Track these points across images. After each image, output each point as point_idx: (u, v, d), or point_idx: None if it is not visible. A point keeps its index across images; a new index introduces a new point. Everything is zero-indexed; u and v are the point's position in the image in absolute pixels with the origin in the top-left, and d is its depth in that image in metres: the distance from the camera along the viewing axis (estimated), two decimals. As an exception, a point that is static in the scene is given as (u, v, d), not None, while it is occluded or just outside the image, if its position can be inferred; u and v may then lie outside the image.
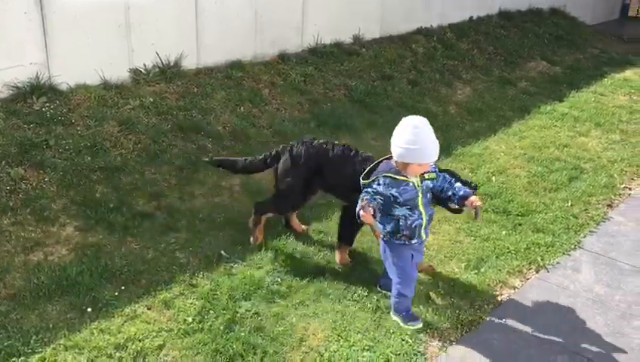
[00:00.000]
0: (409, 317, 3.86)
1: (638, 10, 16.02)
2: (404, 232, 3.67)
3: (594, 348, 3.73)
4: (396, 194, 3.57)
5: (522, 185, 5.85)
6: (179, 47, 6.38)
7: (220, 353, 3.52)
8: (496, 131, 7.21)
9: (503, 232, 5.01)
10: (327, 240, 4.73)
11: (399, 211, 3.62)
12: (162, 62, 6.23)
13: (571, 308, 4.10)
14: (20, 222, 4.35)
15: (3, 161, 4.68)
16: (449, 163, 6.21)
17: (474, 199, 3.66)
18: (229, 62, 6.89)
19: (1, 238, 4.19)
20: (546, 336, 3.82)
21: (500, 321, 3.96)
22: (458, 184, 3.74)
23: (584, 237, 5.00)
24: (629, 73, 10.14)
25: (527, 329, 3.88)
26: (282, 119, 6.54)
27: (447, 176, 3.78)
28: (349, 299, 4.07)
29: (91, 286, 3.93)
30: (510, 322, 3.95)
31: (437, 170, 3.75)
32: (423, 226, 3.69)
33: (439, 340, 3.80)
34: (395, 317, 3.89)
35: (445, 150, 6.51)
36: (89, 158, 5.00)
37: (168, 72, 6.20)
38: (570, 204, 5.50)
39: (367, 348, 3.64)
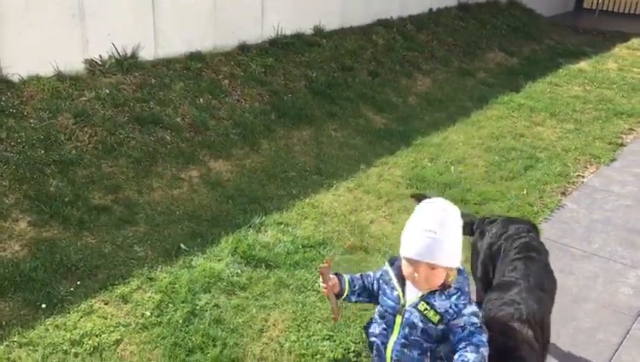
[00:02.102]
0: None
1: (592, 2, 16.42)
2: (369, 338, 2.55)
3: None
4: (380, 289, 2.52)
5: (480, 174, 5.96)
6: (136, 38, 6.26)
7: (179, 346, 3.50)
8: (456, 121, 7.32)
9: (461, 221, 5.08)
10: (287, 231, 4.73)
11: (376, 312, 2.55)
12: (119, 53, 6.11)
13: (526, 293, 4.21)
14: (-30, 218, 4.23)
15: (-49, 155, 4.54)
16: (409, 153, 6.29)
17: None
18: (188, 53, 6.80)
19: (-49, 234, 4.07)
20: (502, 321, 3.91)
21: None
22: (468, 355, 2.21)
23: (539, 224, 5.11)
24: (583, 64, 10.40)
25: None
26: (242, 110, 6.50)
27: (469, 336, 2.26)
28: (310, 290, 4.08)
29: (46, 282, 3.85)
30: (467, 308, 4.03)
31: (460, 311, 2.28)
32: (387, 354, 2.43)
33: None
34: None
35: (405, 140, 6.60)
36: (42, 152, 4.88)
37: (125, 63, 6.09)
38: (525, 192, 5.63)
39: (327, 337, 3.67)
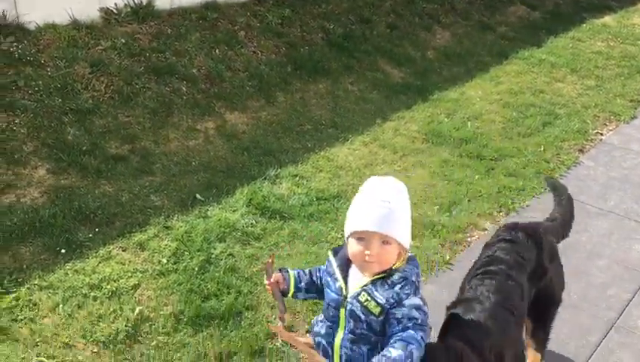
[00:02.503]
0: None
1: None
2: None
3: (558, 287, 3.86)
4: (324, 282, 2.31)
5: (497, 130, 5.90)
6: (151, -14, 6.18)
7: (195, 292, 3.58)
8: (474, 76, 7.20)
9: (476, 176, 5.07)
10: (302, 183, 4.75)
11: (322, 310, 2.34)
12: (134, 2, 6.05)
13: (538, 248, 4.22)
14: (-10, 165, 4.29)
15: (-29, 102, 4.58)
16: (426, 108, 6.23)
17: None
18: (204, 2, 6.70)
19: (-28, 180, 4.14)
20: (513, 276, 3.94)
21: (469, 261, 4.05)
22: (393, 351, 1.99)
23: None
24: (608, 19, 10.10)
25: (495, 269, 3.99)
26: (258, 62, 6.44)
27: (402, 330, 2.04)
28: (323, 241, 4.13)
29: (65, 228, 3.93)
30: (479, 262, 4.05)
31: (401, 303, 2.07)
32: (335, 353, 2.22)
33: (410, 280, 3.90)
34: None
35: (422, 95, 6.52)
36: (60, 100, 4.90)
37: (141, 12, 6.03)
38: (542, 149, 5.57)
39: (339, 287, 3.73)
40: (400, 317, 2.04)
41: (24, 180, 4.27)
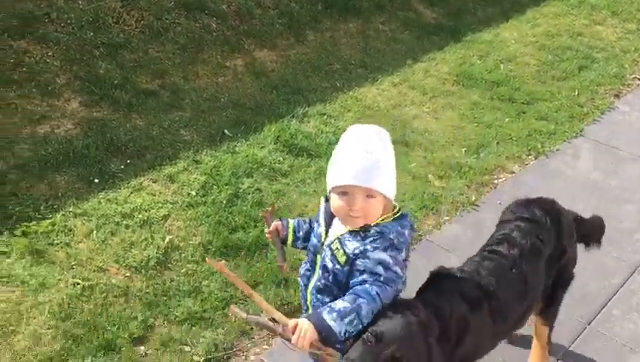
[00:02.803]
0: None
1: None
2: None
3: (584, 230, 3.85)
4: (313, 228, 2.27)
5: (531, 73, 5.77)
6: None
7: (223, 224, 3.67)
8: (509, 18, 6.98)
9: (507, 119, 5.01)
10: (329, 122, 4.76)
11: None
12: None
13: (567, 191, 4.19)
14: (25, 95, 4.37)
15: (5, 33, 4.63)
16: (458, 49, 6.10)
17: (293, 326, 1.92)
18: (234, -63, 6.57)
19: (8, 110, 4.23)
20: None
21: (495, 203, 4.06)
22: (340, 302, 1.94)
23: (587, 125, 5.00)
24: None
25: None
26: (289, 0, 6.34)
27: (361, 282, 1.98)
28: (349, 179, 4.16)
29: (98, 159, 4.03)
30: (505, 204, 4.04)
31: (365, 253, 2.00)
32: (307, 300, 2.22)
33: (434, 219, 3.93)
34: None
35: (455, 36, 6.37)
36: (91, 34, 4.93)
37: (170, -54, 5.95)
38: (577, 93, 5.45)
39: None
40: (362, 269, 1.97)
41: (58, 112, 4.36)
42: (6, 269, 3.17)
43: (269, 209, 2.38)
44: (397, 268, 1.98)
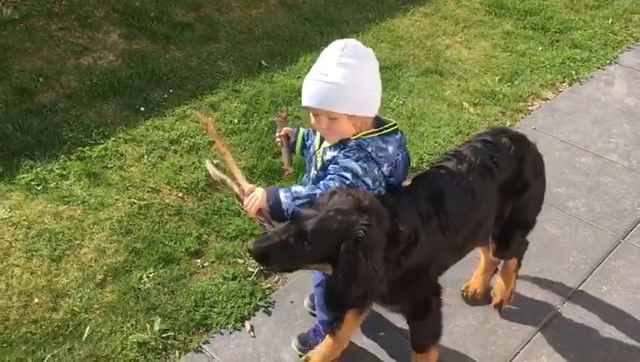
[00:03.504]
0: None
1: None
2: None
3: (619, 151, 3.93)
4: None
5: (563, 2, 5.71)
6: None
7: (265, 150, 3.80)
8: (541, -53, 6.84)
9: (540, 48, 5.01)
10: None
11: None
12: None
13: (600, 116, 4.25)
14: (67, 28, 4.47)
15: (42, -33, 4.69)
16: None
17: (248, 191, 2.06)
18: None
19: (52, 43, 4.35)
20: (572, 140, 4.02)
21: (530, 128, 4.13)
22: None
23: (621, 53, 4.99)
24: None
25: (555, 134, 4.07)
26: None
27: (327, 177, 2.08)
28: (385, 107, 4.23)
29: (141, 89, 4.15)
30: (539, 129, 4.13)
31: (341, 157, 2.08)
32: None
33: (470, 143, 4.02)
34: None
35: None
36: (126, -33, 4.97)
37: None
38: (610, 21, 5.41)
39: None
40: (332, 172, 2.05)
41: (99, 44, 4.46)
42: (66, 190, 3.35)
43: (283, 115, 2.45)
44: (367, 180, 2.04)
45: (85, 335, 2.69)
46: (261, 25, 5.05)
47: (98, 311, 2.80)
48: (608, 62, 4.86)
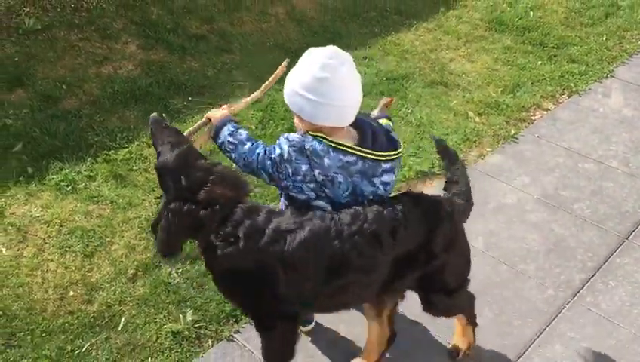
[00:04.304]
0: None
1: None
2: None
3: (619, 158, 4.13)
4: None
5: (559, 19, 5.96)
6: None
7: (282, 155, 3.95)
8: (535, -32, 7.13)
9: (539, 62, 5.24)
10: (371, 64, 5.00)
11: None
12: None
13: (600, 126, 4.46)
14: (87, 39, 4.63)
15: (62, -21, 4.85)
16: (487, -2, 6.29)
17: None
18: None
19: (73, 52, 4.49)
20: (574, 148, 4.22)
21: (533, 136, 4.33)
22: None
23: (616, 67, 5.23)
24: None
25: (558, 142, 4.27)
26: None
27: None
28: (395, 116, 4.42)
29: (161, 96, 4.30)
30: (543, 137, 4.33)
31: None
32: None
33: (477, 150, 4.21)
34: None
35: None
36: (142, -19, 5.15)
37: None
38: (605, 38, 5.66)
39: (413, 154, 4.06)
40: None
41: (118, 54, 4.61)
42: (95, 190, 3.48)
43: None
44: (289, 167, 2.13)
45: (121, 325, 2.81)
46: (272, 37, 5.23)
47: (131, 304, 2.92)
48: (605, 75, 5.09)
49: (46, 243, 3.15)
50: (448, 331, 2.82)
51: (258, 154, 2.22)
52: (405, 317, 2.89)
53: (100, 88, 4.27)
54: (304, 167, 2.13)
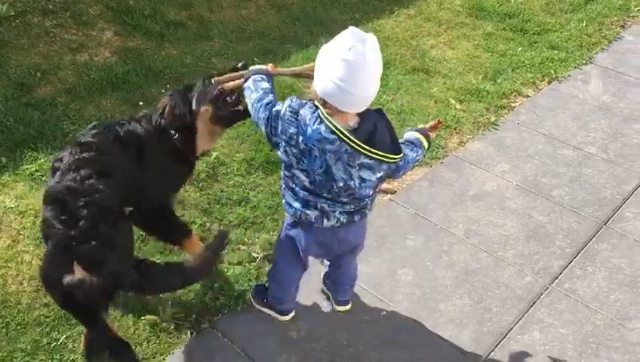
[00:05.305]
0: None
1: None
2: None
3: (597, 144, 4.16)
4: None
5: (540, 6, 5.96)
6: None
7: (263, 142, 3.90)
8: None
9: (519, 49, 5.24)
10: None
11: None
12: None
13: (579, 113, 4.48)
14: (61, 25, 4.53)
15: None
16: (468, -16, 6.26)
17: None
18: None
19: (47, 39, 4.40)
20: (554, 135, 4.23)
21: (513, 123, 4.34)
22: None
23: (596, 53, 5.25)
24: None
25: (538, 129, 4.29)
26: None
27: None
28: (375, 103, 4.40)
29: (139, 84, 4.23)
30: (522, 124, 4.34)
31: None
32: None
33: (458, 137, 4.21)
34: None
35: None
36: (118, -34, 5.05)
37: None
38: (585, 24, 5.67)
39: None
40: None
41: (94, 41, 4.53)
42: (71, 180, 3.41)
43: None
44: (280, 124, 2.26)
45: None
46: (252, 24, 5.17)
47: (109, 295, 2.88)
48: (584, 62, 5.11)
49: (20, 234, 3.10)
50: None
51: (264, 104, 2.37)
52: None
53: (75, 76, 4.19)
54: (292, 130, 2.22)
